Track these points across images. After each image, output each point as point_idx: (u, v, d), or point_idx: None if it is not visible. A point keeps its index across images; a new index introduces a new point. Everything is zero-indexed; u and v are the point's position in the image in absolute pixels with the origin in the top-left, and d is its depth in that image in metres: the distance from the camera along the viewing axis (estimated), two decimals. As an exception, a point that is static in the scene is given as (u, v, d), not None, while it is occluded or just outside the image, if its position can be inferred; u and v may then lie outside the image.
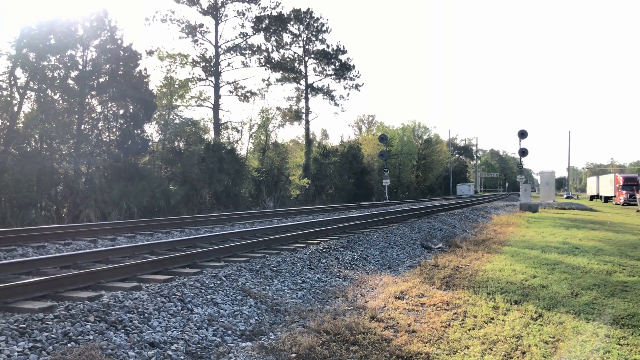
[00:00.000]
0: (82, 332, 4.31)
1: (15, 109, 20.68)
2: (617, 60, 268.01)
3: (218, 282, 6.34)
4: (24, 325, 4.21)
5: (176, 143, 29.59)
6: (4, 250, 8.50)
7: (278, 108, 45.63)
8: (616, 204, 47.61)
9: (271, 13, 40.26)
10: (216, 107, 37.23)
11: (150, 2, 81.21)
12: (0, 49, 20.37)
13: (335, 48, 46.63)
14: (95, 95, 23.77)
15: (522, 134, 32.37)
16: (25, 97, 21.21)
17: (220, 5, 37.95)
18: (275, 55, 43.77)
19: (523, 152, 33.05)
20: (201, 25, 37.50)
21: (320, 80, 47.92)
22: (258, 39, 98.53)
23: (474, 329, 5.38)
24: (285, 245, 9.66)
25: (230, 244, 9.01)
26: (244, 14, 38.83)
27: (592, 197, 63.50)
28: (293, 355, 4.46)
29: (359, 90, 48.94)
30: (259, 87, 59.71)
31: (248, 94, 39.55)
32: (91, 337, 4.27)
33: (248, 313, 5.68)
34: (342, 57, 47.00)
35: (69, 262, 7.18)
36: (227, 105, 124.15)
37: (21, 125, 21.07)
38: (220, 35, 38.39)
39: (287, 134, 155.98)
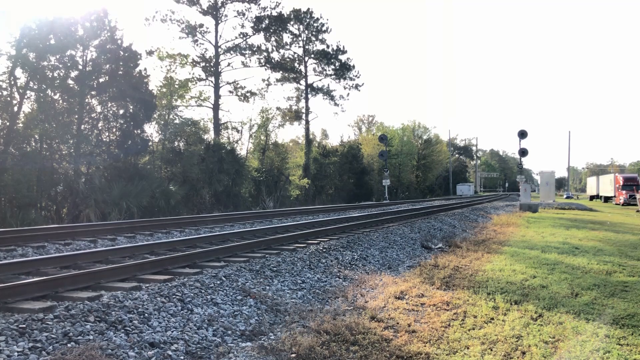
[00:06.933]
0: (82, 332, 4.31)
1: (15, 109, 20.68)
2: (617, 60, 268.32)
3: (218, 282, 6.34)
4: (24, 325, 4.20)
5: (176, 143, 29.59)
6: (4, 250, 8.50)
7: (278, 108, 45.72)
8: (616, 204, 47.60)
9: (271, 13, 40.31)
10: (216, 107, 37.23)
11: (150, 2, 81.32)
12: (0, 49, 20.39)
13: (335, 48, 46.66)
14: (95, 95, 23.77)
15: (522, 134, 32.39)
16: (25, 97, 21.21)
17: (220, 5, 37.96)
18: (275, 55, 43.84)
19: (523, 152, 33.06)
20: (201, 25, 37.55)
21: (320, 80, 47.97)
22: (258, 39, 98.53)
23: (474, 329, 5.38)
24: (285, 245, 9.65)
25: (230, 244, 9.02)
26: (244, 14, 38.87)
27: (592, 197, 63.48)
28: (293, 355, 4.46)
29: (359, 90, 48.99)
30: (259, 87, 59.81)
31: (248, 94, 39.57)
32: (91, 337, 4.27)
33: (248, 313, 5.68)
34: (342, 57, 47.06)
35: (69, 262, 7.18)
36: (227, 105, 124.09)
37: (21, 125, 21.07)
38: (220, 35, 38.44)
39: (287, 134, 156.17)
